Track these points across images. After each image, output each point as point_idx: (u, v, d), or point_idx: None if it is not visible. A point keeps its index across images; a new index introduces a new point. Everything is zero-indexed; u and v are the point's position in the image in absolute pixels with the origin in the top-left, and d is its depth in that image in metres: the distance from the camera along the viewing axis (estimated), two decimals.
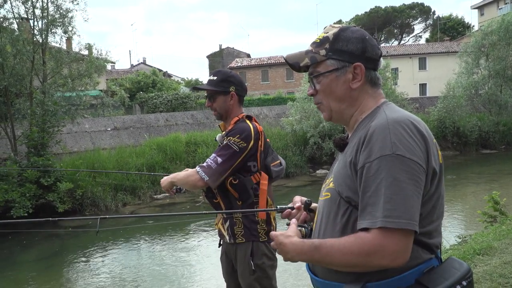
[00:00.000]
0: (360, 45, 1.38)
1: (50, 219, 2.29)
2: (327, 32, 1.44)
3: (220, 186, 2.57)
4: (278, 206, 1.75)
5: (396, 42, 54.32)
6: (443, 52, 37.81)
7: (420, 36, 57.03)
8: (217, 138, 2.78)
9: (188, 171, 2.62)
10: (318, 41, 1.44)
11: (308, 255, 1.30)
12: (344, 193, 1.30)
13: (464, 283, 1.21)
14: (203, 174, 2.49)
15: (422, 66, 38.21)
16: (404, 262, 1.17)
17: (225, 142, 2.56)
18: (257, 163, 2.60)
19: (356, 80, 1.38)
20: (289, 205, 1.70)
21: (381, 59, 1.44)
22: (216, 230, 2.84)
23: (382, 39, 54.87)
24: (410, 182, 1.16)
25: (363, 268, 1.21)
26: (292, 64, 1.48)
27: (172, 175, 2.71)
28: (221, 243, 2.82)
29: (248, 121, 2.67)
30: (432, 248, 1.25)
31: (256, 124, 2.69)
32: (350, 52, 1.38)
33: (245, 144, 2.53)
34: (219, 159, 2.51)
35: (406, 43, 50.52)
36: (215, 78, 2.68)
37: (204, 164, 2.54)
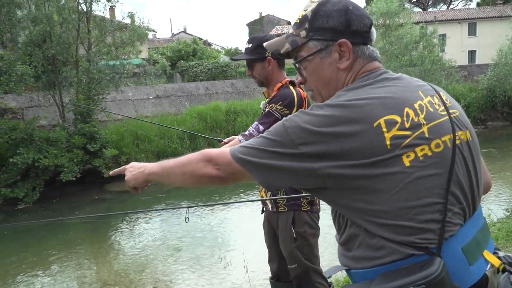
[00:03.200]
0: (343, 18, 1.22)
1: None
2: (306, 10, 1.27)
3: None
4: None
5: (444, 7, 51.57)
6: (495, 16, 35.61)
7: (471, 0, 53.99)
8: (261, 106, 2.73)
9: (234, 139, 2.61)
10: (298, 21, 1.29)
11: (159, 164, 1.42)
12: None
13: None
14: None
15: (472, 32, 36.20)
16: (222, 179, 1.23)
17: (267, 110, 2.51)
18: None
19: (344, 59, 1.23)
20: None
21: (372, 29, 1.27)
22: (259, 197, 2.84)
23: (429, 3, 52.33)
24: (272, 145, 1.15)
25: (192, 174, 1.27)
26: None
27: (228, 140, 2.76)
28: (264, 210, 2.83)
29: (291, 87, 2.59)
30: (413, 246, 1.08)
31: (300, 90, 2.59)
32: (332, 28, 1.23)
33: (288, 111, 2.46)
34: (261, 127, 2.46)
35: (455, 8, 47.96)
36: (250, 45, 2.60)
37: (246, 132, 2.50)
